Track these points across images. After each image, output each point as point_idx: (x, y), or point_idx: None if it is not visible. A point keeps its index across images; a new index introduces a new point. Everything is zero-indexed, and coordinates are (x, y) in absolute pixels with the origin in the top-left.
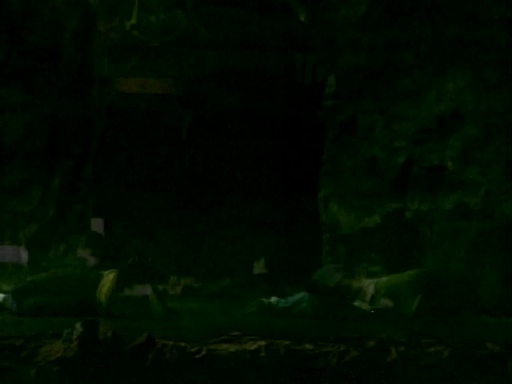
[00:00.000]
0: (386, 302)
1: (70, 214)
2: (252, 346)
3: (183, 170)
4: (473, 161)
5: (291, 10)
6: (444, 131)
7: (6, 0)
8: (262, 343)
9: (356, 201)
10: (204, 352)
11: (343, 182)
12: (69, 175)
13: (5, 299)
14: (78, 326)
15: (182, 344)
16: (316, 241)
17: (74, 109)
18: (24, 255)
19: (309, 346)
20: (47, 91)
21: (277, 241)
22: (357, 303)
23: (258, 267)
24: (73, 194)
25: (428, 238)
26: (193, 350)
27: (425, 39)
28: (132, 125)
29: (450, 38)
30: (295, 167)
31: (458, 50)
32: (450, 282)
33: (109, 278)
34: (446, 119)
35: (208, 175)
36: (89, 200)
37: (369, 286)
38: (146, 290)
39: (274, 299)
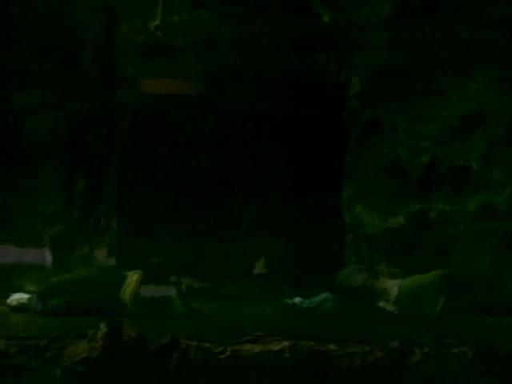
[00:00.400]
0: (407, 303)
1: (94, 215)
2: (276, 347)
3: (205, 170)
4: (497, 161)
5: (314, 10)
6: (467, 131)
7: (29, 1)
8: (286, 344)
9: (380, 201)
10: (228, 352)
11: (367, 183)
12: (92, 176)
13: (30, 299)
14: (102, 326)
15: (206, 344)
16: (339, 241)
17: (97, 110)
18: (48, 256)
19: (333, 347)
20: (70, 92)
21: (299, 241)
22: (381, 304)
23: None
24: (97, 195)
25: (452, 239)
26: (217, 350)
27: (447, 39)
28: (155, 125)
29: (471, 38)
30: (318, 168)
31: (480, 50)
32: (474, 282)
33: (133, 278)
34: (469, 119)
35: (233, 176)
36: (113, 201)
37: (393, 286)
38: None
39: (297, 300)
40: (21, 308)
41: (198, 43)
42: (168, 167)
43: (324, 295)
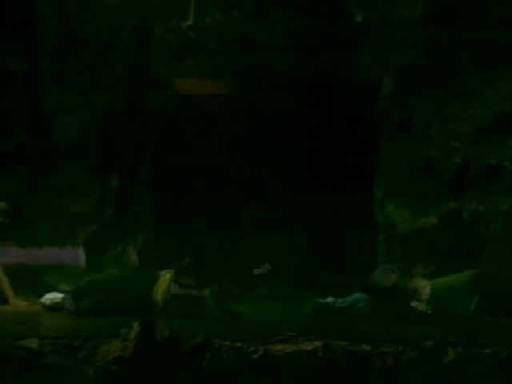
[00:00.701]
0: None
1: (127, 215)
2: (308, 347)
3: (240, 170)
4: None
5: (347, 10)
6: (501, 131)
7: (61, 2)
8: (319, 344)
9: (412, 201)
10: (260, 352)
11: (399, 182)
12: (125, 176)
13: (64, 299)
14: (135, 325)
15: (238, 344)
16: (371, 241)
17: (130, 110)
18: (82, 256)
19: (366, 347)
20: (102, 93)
21: (331, 241)
22: (413, 304)
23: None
24: (129, 195)
25: (485, 239)
26: (249, 350)
27: (480, 39)
28: (188, 125)
29: (505, 38)
30: (351, 167)
31: None
32: (506, 282)
33: (165, 277)
34: (503, 119)
35: (268, 175)
36: (145, 201)
37: (425, 286)
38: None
39: (330, 299)
40: (54, 307)
41: (230, 44)
42: (199, 167)
43: (356, 295)
